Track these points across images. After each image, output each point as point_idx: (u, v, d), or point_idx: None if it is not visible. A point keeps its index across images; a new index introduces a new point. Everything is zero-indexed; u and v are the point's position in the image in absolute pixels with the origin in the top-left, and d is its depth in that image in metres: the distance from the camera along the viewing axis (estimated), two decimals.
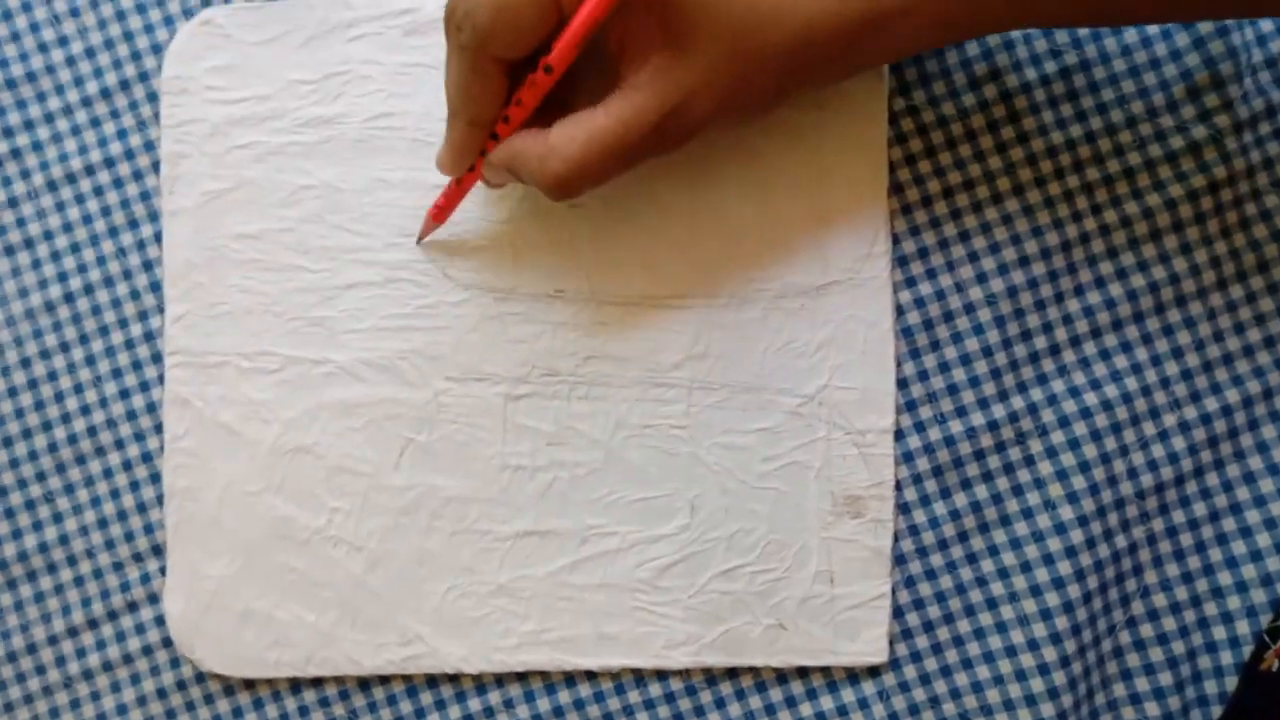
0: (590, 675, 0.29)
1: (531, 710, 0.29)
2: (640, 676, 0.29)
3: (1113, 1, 0.25)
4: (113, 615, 0.30)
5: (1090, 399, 0.29)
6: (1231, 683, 0.28)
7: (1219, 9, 0.25)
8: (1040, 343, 0.29)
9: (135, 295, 0.31)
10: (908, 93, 0.29)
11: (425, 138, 0.30)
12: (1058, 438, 0.29)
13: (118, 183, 0.31)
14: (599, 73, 0.25)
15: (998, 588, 0.29)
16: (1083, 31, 0.29)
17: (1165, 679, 0.28)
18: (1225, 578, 0.28)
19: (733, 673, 0.29)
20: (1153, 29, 0.28)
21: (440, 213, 0.28)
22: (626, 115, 0.24)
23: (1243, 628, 0.28)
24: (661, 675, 0.29)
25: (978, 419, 0.29)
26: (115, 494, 0.30)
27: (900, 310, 0.29)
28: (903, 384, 0.29)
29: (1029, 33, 0.29)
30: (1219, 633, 0.28)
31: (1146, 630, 0.29)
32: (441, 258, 0.30)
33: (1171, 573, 0.29)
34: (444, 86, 0.26)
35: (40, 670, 0.30)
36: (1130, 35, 0.29)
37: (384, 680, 0.30)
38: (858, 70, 0.26)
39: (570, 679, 0.29)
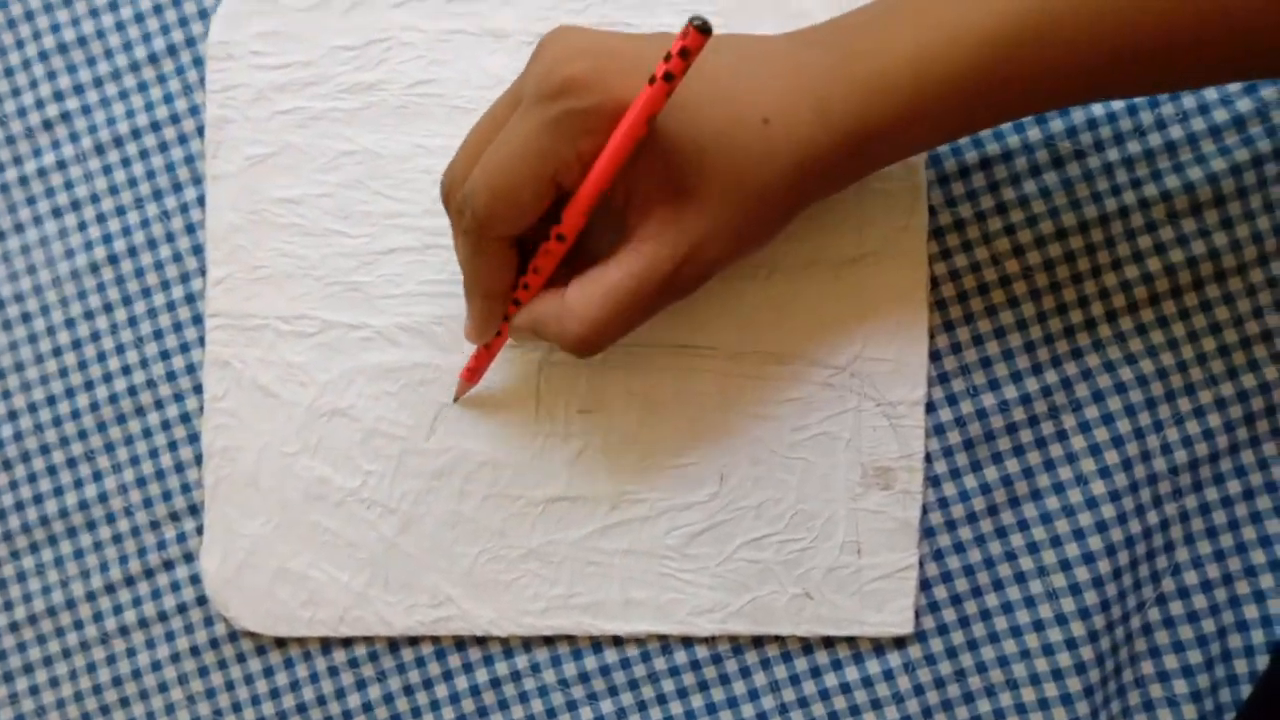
0: (617, 642, 0.30)
1: (557, 674, 0.30)
2: (666, 644, 0.30)
3: (1106, 83, 0.24)
4: (149, 573, 0.31)
5: (1125, 374, 0.29)
6: (1262, 662, 0.28)
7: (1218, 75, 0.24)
8: (1076, 317, 0.29)
9: (178, 258, 0.31)
10: None
11: (465, 104, 0.30)
12: (1091, 412, 0.29)
13: (163, 147, 0.31)
14: (613, 222, 0.25)
15: (1027, 562, 0.29)
16: None
17: (1194, 657, 0.28)
18: (1258, 556, 0.28)
19: (758, 642, 0.30)
20: None
21: (472, 375, 0.29)
22: (639, 269, 0.24)
23: (1275, 606, 0.28)
24: (687, 643, 0.30)
25: (1010, 392, 0.29)
26: (154, 453, 0.31)
27: (935, 283, 0.29)
28: (936, 356, 0.29)
29: None
30: (1250, 611, 0.28)
31: (1176, 607, 0.28)
32: None
33: (1203, 550, 0.28)
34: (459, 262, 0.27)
35: (78, 625, 0.31)
36: None
37: (413, 642, 0.30)
38: (859, 179, 0.26)
39: (597, 645, 0.30)
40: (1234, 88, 0.28)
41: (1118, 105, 0.29)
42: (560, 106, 0.23)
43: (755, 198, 0.24)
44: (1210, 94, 0.28)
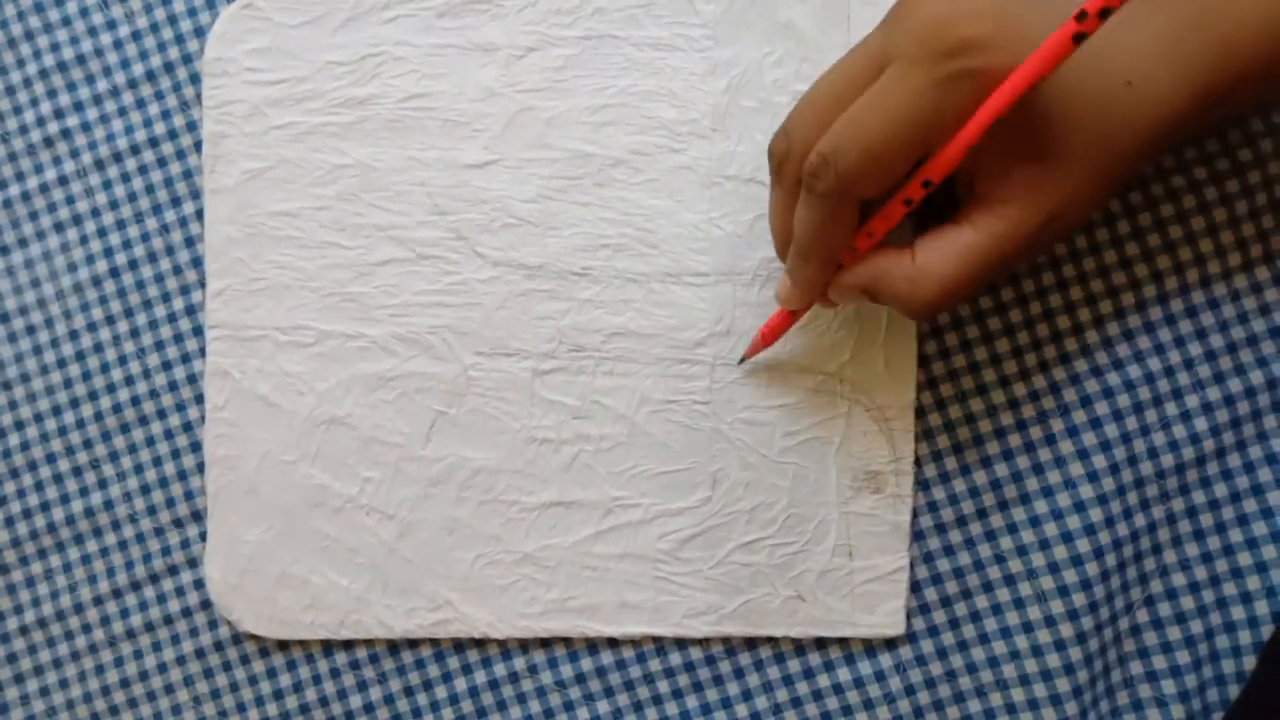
0: (612, 643, 0.30)
1: (554, 675, 0.30)
2: (661, 645, 0.30)
3: None
4: (154, 578, 0.31)
5: (1113, 378, 0.29)
6: (1249, 662, 0.28)
7: None
8: (1063, 323, 0.29)
9: (177, 270, 0.32)
10: None
11: (457, 118, 0.31)
12: (1079, 417, 0.29)
13: (161, 162, 0.32)
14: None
15: (1015, 564, 0.29)
16: None
17: (1182, 657, 0.28)
18: (1245, 558, 0.28)
19: (751, 644, 0.30)
20: None
21: (772, 335, 0.28)
22: (1000, 230, 0.24)
23: (1261, 608, 0.28)
24: (681, 644, 0.30)
25: (999, 397, 0.29)
26: (157, 461, 0.32)
27: None
28: (925, 361, 0.30)
29: None
30: (1237, 613, 0.28)
31: (1164, 609, 0.29)
32: (472, 236, 0.31)
33: (1191, 552, 0.29)
34: (775, 226, 0.26)
35: (86, 629, 0.32)
36: None
37: (412, 644, 0.31)
38: (1196, 139, 0.26)
39: (592, 646, 0.30)
40: None
41: None
42: (954, 66, 0.22)
43: (1117, 161, 0.24)
44: None
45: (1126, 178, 0.24)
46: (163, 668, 0.31)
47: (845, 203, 0.24)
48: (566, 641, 0.30)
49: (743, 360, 0.29)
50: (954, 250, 0.24)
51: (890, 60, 0.23)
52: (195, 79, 0.32)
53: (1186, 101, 0.23)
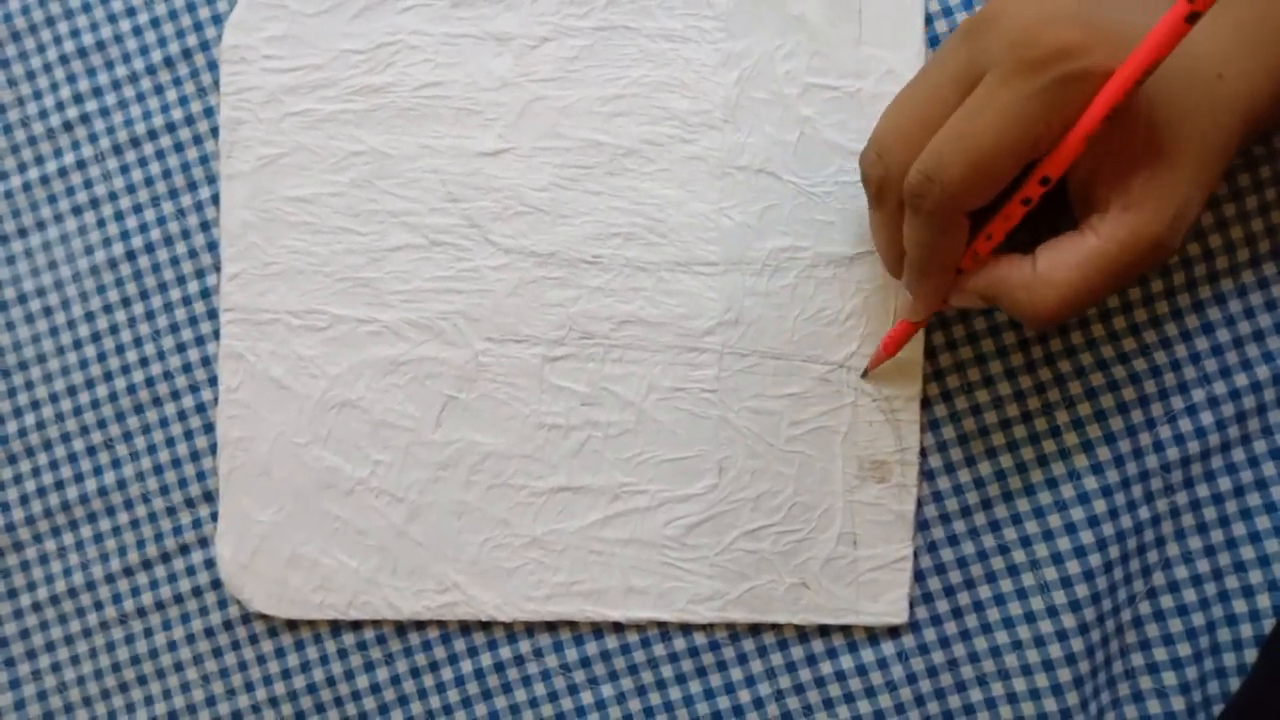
0: (617, 627, 0.31)
1: (559, 659, 0.31)
2: (665, 630, 0.30)
3: None
4: (165, 557, 0.32)
5: (1118, 372, 0.29)
6: (1250, 655, 0.28)
7: None
8: None
9: (193, 254, 0.32)
10: None
11: (470, 106, 0.31)
12: (1085, 409, 0.29)
13: (178, 147, 0.32)
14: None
15: (1019, 555, 0.29)
16: None
17: (1184, 650, 0.29)
18: (1248, 552, 0.28)
19: (755, 630, 0.30)
20: None
21: (895, 346, 0.28)
22: (1123, 235, 0.23)
23: (1264, 601, 0.28)
24: (686, 630, 0.30)
25: (1005, 389, 0.30)
26: (170, 442, 0.32)
27: None
28: (931, 353, 0.30)
29: None
30: (1240, 606, 0.28)
31: (1167, 601, 0.29)
32: (484, 223, 0.31)
33: (1194, 545, 0.29)
34: (881, 246, 0.26)
35: (98, 606, 0.32)
36: None
37: (419, 626, 0.31)
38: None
39: (598, 630, 0.31)
40: None
41: None
42: (1056, 72, 0.22)
43: (1218, 155, 0.24)
44: None
45: (1223, 172, 0.24)
46: (172, 646, 0.32)
47: (953, 216, 0.24)
48: (572, 625, 0.31)
49: (865, 374, 0.29)
50: (1077, 259, 0.23)
51: (982, 73, 0.23)
52: (213, 66, 0.32)
53: (1274, 91, 0.24)
